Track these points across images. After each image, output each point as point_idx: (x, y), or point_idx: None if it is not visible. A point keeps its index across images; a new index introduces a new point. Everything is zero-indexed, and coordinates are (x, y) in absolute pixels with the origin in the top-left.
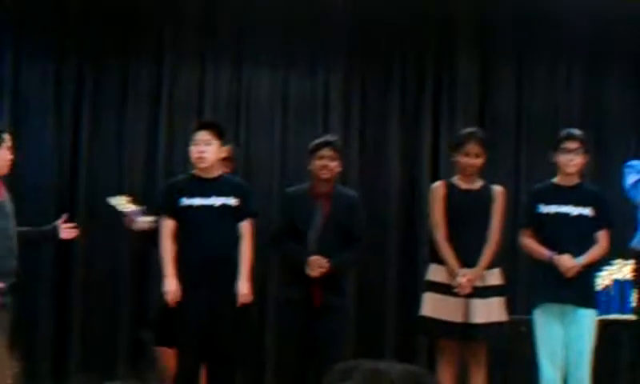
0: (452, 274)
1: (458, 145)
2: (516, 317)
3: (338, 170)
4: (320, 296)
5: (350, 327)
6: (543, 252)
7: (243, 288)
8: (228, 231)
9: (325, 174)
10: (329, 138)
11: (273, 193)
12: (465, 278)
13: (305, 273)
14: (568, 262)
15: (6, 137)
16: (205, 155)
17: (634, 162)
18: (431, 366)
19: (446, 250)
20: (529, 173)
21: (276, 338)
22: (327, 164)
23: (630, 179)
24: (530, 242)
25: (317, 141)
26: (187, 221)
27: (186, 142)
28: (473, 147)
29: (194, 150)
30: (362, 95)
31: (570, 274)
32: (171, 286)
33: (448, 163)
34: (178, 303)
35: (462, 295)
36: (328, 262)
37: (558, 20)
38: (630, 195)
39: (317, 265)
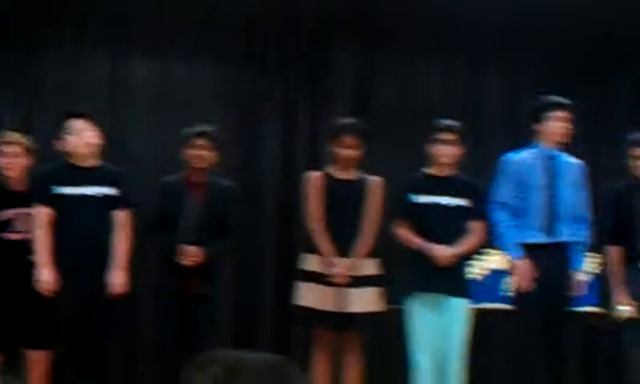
0: (328, 264)
1: (334, 136)
2: (393, 306)
3: (214, 160)
4: (193, 285)
5: (227, 317)
6: (416, 241)
7: (116, 278)
8: (105, 221)
9: (198, 164)
10: (204, 127)
11: (148, 183)
12: (340, 267)
13: (178, 262)
14: (441, 252)
15: None
16: (92, 141)
17: (510, 155)
18: (307, 356)
19: (322, 240)
20: (408, 164)
21: (151, 329)
22: (201, 153)
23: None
24: (402, 232)
25: (192, 130)
26: (63, 210)
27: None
28: (349, 139)
29: (75, 138)
30: (239, 85)
31: (442, 264)
32: (48, 276)
33: (326, 154)
34: (54, 293)
35: (337, 285)
36: (201, 251)
37: (437, 13)
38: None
39: (190, 254)
